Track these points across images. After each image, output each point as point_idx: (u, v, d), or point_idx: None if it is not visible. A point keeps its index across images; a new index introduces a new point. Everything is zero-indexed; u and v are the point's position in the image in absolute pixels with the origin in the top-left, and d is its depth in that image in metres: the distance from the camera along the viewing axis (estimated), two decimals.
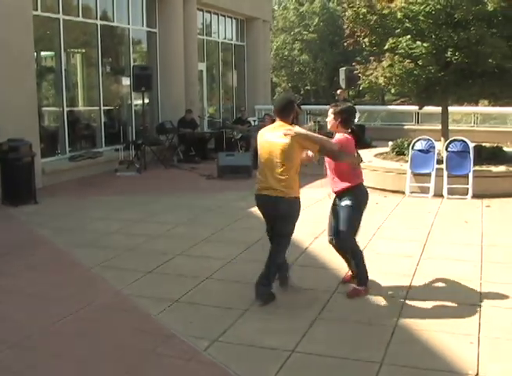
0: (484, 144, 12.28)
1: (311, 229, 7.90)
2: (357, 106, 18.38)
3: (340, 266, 6.44)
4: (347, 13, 11.77)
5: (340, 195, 5.76)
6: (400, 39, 10.83)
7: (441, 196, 10.52)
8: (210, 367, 4.40)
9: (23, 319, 5.32)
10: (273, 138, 5.48)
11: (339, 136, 5.72)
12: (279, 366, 4.37)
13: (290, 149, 5.42)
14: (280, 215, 5.53)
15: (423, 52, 10.54)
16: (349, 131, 5.84)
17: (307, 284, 5.87)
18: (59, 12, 13.05)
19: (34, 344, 4.82)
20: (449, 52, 10.51)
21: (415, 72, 10.76)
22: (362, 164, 6.09)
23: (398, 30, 11.05)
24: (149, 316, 5.35)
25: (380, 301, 5.64)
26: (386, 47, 11.08)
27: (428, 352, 4.60)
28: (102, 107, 14.82)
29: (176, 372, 4.37)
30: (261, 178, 5.57)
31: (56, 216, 9.46)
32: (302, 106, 19.39)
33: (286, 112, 5.61)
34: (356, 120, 15.66)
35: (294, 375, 4.34)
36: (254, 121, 19.30)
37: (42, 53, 13.86)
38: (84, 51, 15.40)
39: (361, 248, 5.98)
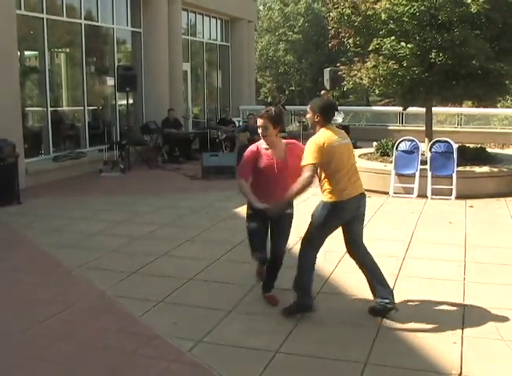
0: (467, 145, 12.38)
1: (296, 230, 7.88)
2: (342, 107, 18.59)
3: (322, 267, 6.46)
4: (331, 14, 11.78)
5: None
6: (384, 40, 10.85)
7: (425, 196, 10.57)
8: (195, 368, 4.39)
9: (6, 321, 5.28)
10: (346, 140, 5.30)
11: None
12: (263, 367, 4.37)
13: None
14: (363, 213, 5.44)
15: (408, 53, 10.57)
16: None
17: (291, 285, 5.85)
18: (43, 12, 12.96)
19: (18, 345, 4.79)
20: (433, 54, 10.55)
21: (399, 73, 10.78)
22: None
23: (383, 31, 11.08)
24: (133, 317, 5.33)
25: (364, 301, 5.65)
26: (370, 48, 11.11)
27: (412, 352, 4.61)
28: (87, 107, 14.72)
29: (160, 373, 4.35)
30: (349, 180, 5.19)
31: (40, 217, 9.39)
32: (287, 107, 19.55)
33: (332, 116, 5.42)
34: (341, 120, 15.77)
35: (279, 375, 4.34)
36: (239, 121, 19.34)
37: (26, 53, 13.76)
38: (68, 51, 15.32)
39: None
